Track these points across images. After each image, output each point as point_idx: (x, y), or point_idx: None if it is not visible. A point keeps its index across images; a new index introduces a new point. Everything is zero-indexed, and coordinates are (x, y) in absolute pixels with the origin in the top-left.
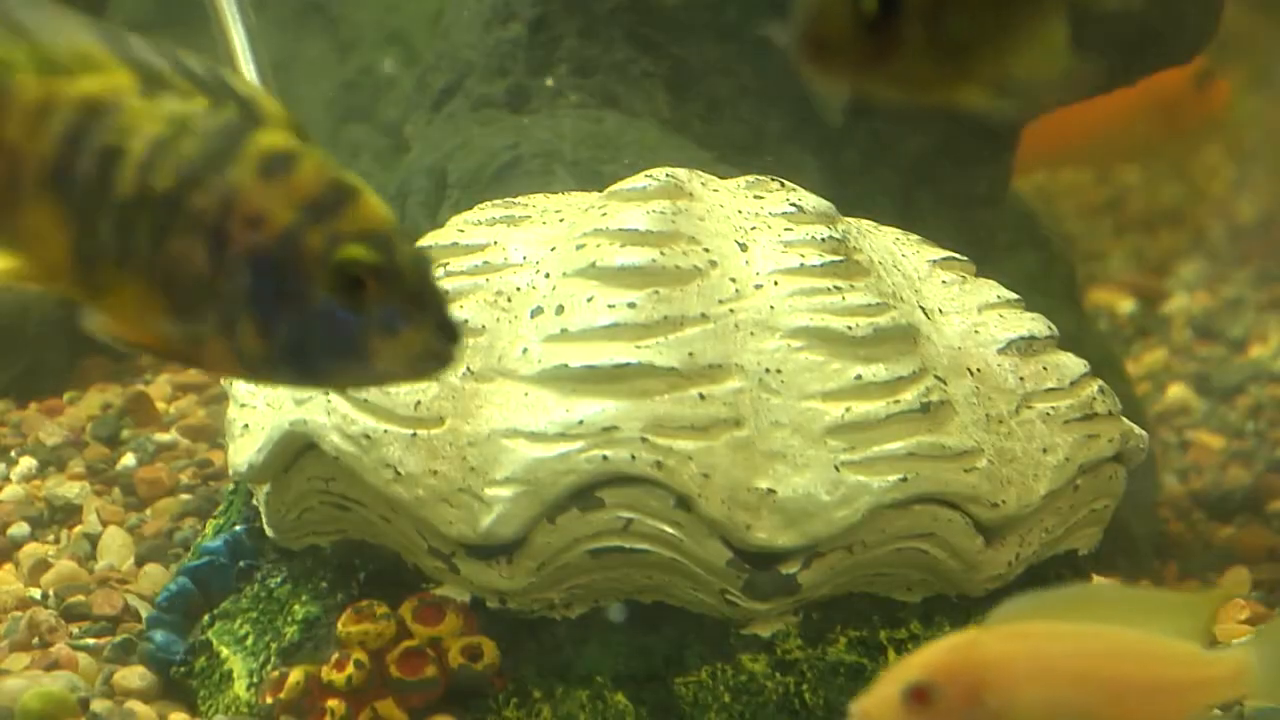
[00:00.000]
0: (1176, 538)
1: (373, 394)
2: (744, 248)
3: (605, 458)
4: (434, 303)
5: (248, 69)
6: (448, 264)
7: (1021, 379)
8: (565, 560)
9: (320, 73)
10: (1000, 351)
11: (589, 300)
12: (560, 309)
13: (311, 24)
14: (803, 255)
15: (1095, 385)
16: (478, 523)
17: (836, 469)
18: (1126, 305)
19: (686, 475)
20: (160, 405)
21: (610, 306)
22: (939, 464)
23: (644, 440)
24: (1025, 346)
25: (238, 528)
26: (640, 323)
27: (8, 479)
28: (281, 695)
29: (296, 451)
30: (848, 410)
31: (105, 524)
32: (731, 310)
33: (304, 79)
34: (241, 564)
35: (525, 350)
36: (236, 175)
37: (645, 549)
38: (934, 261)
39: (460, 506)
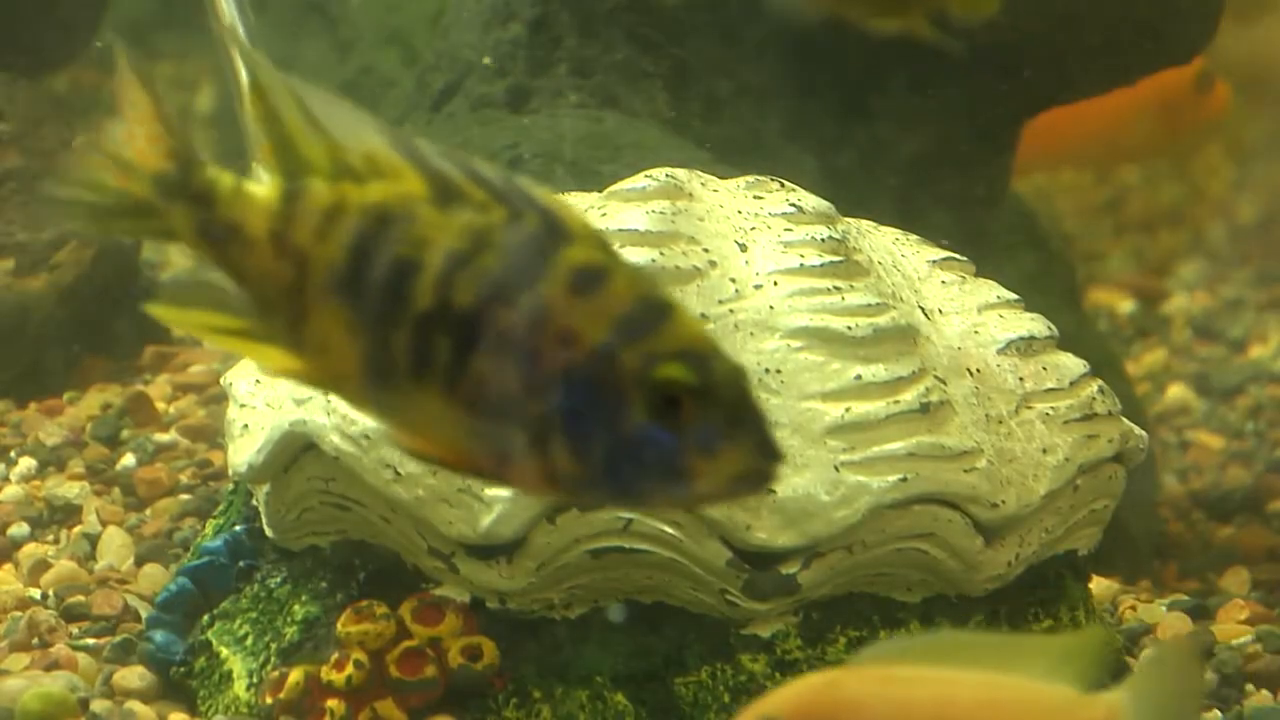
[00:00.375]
0: (1176, 538)
1: None
2: (744, 248)
3: None
4: (753, 421)
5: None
6: None
7: (1021, 379)
8: (565, 560)
9: (320, 73)
10: (1000, 352)
11: None
12: None
13: (311, 24)
14: (802, 255)
15: (1095, 385)
16: (477, 523)
17: (836, 469)
18: (1126, 305)
19: None
20: (160, 405)
21: None
22: (939, 464)
23: None
24: (1025, 347)
25: (237, 528)
26: None
27: (7, 479)
28: (281, 695)
29: (296, 451)
30: (847, 410)
31: (105, 524)
32: (731, 310)
33: (304, 79)
34: (241, 564)
35: None
36: (546, 291)
37: (645, 549)
38: (934, 262)
39: (460, 506)
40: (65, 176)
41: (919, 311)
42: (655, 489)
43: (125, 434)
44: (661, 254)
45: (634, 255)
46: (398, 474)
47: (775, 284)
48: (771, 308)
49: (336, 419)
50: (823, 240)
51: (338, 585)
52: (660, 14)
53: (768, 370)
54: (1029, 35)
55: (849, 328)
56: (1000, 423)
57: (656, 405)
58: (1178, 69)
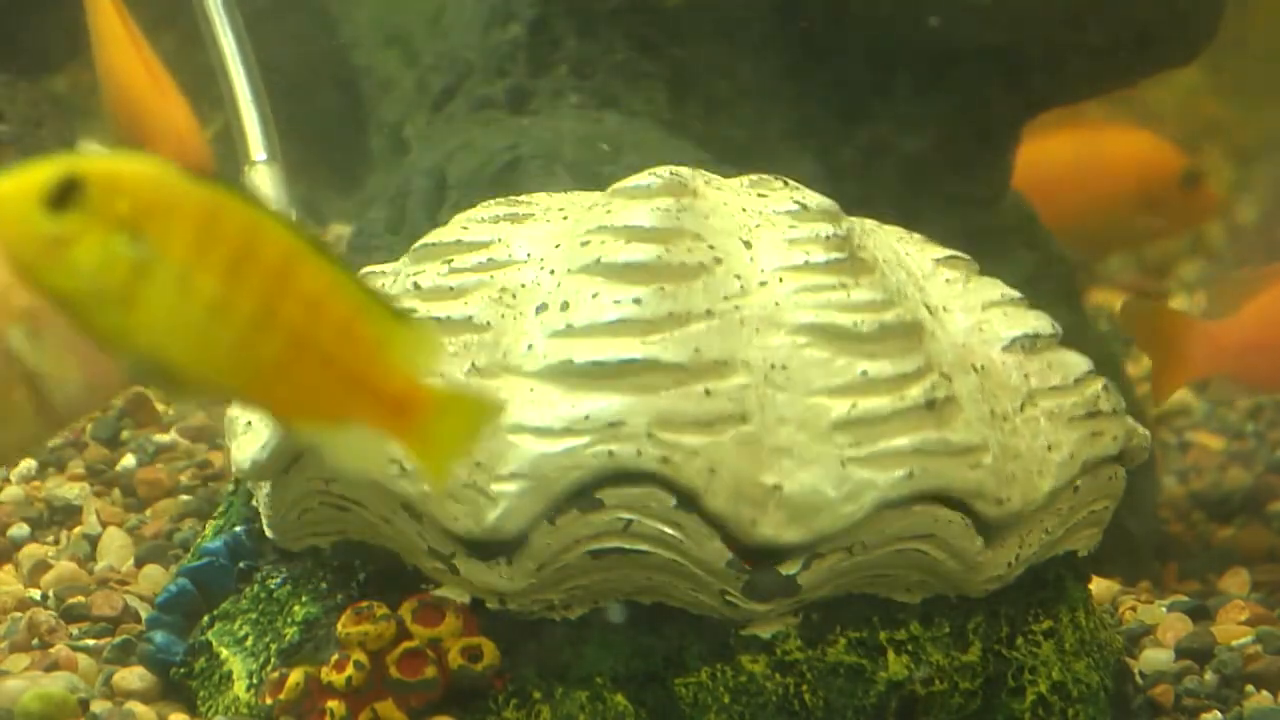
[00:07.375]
0: (1176, 539)
1: None
2: (748, 245)
3: (611, 453)
4: None
5: (238, 72)
6: (452, 261)
7: (1026, 376)
8: (565, 561)
9: (320, 73)
10: (1004, 349)
11: (594, 296)
12: (565, 305)
13: (311, 24)
14: (807, 252)
15: (1099, 383)
16: (483, 518)
17: (842, 465)
18: None
19: (693, 470)
20: (160, 406)
21: (616, 302)
22: (944, 460)
23: (650, 436)
24: (1029, 344)
25: (237, 529)
26: (646, 319)
27: (7, 480)
28: (281, 696)
29: (299, 449)
30: (853, 406)
31: (105, 525)
32: (737, 306)
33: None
34: (241, 565)
35: (530, 346)
36: None
37: (645, 550)
38: (937, 260)
39: (466, 502)
40: None
41: (923, 308)
42: None
43: (125, 435)
44: (667, 250)
45: (639, 252)
46: (403, 469)
47: (780, 280)
48: (777, 304)
49: None
50: (827, 237)
51: (338, 586)
52: (660, 15)
53: (774, 366)
54: (1029, 35)
55: (854, 324)
56: (1005, 419)
57: None
58: (1164, 163)
